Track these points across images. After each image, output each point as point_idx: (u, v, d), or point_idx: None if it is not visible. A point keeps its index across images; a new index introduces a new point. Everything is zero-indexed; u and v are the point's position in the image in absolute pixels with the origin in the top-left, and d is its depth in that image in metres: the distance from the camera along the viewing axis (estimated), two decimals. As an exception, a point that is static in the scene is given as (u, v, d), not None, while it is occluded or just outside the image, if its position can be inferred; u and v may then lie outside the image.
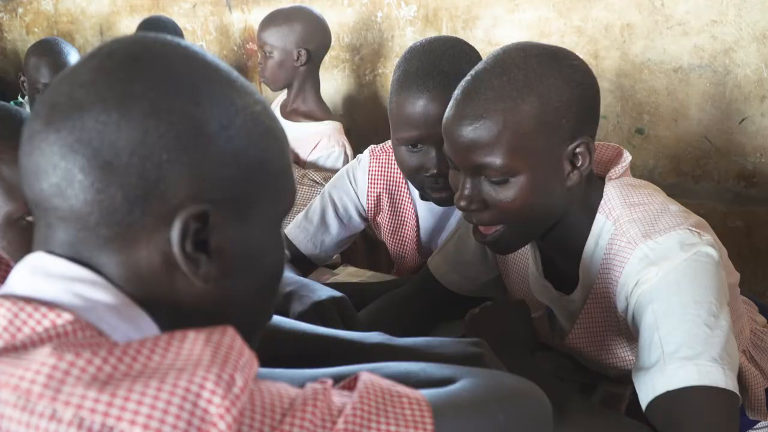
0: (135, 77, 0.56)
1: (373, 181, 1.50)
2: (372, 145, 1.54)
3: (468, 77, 0.97)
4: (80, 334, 0.52)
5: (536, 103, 0.91)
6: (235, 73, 0.62)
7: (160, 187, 0.55)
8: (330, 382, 0.57)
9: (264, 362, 0.81)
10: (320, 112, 2.30)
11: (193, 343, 0.51)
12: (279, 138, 0.63)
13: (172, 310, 0.58)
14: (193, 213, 0.55)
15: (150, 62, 0.57)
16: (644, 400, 0.89)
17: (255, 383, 0.53)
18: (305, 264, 1.48)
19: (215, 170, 0.57)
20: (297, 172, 2.04)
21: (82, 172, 0.54)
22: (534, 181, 0.94)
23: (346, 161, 2.23)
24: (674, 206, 1.00)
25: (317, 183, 2.02)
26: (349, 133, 2.77)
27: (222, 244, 0.58)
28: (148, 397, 0.47)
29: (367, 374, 0.58)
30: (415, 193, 1.46)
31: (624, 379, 1.07)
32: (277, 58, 2.23)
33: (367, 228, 1.59)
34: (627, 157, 1.07)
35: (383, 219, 1.53)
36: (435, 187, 1.30)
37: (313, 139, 2.22)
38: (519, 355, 1.00)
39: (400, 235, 1.54)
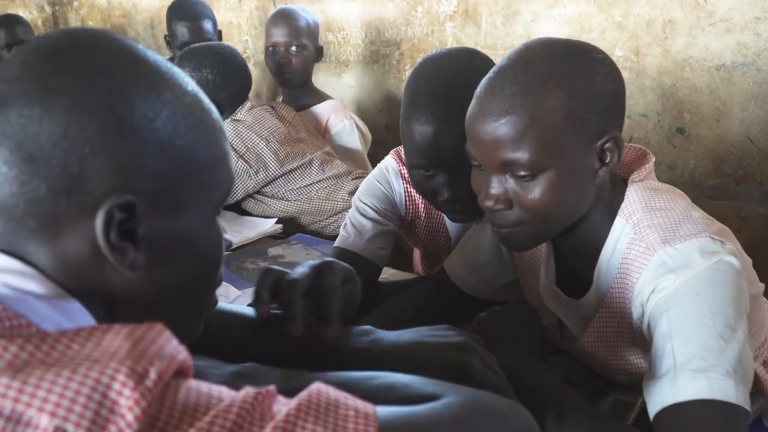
0: (58, 71, 0.57)
1: (409, 187, 1.45)
2: (395, 148, 1.49)
3: (490, 74, 0.95)
4: (7, 323, 0.53)
5: (563, 97, 0.89)
6: (165, 66, 0.63)
7: (84, 179, 0.56)
8: (273, 389, 0.57)
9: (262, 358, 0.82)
10: (320, 96, 2.47)
11: (115, 335, 0.52)
12: (211, 128, 0.65)
13: (105, 300, 0.60)
14: (117, 203, 0.57)
15: (73, 56, 0.58)
16: (652, 410, 0.87)
17: (183, 380, 0.53)
18: (367, 266, 1.37)
19: (140, 161, 0.58)
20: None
21: (7, 164, 0.56)
22: (563, 177, 0.92)
23: (360, 135, 2.38)
24: (697, 213, 0.97)
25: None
26: (388, 128, 2.78)
27: (150, 233, 0.60)
28: (58, 386, 0.48)
29: (317, 384, 0.58)
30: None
31: (635, 387, 1.05)
32: (309, 53, 2.34)
33: (400, 231, 1.56)
34: (651, 158, 1.04)
35: (420, 224, 1.50)
36: (451, 209, 1.27)
37: (322, 119, 2.38)
38: (524, 360, 0.99)
39: (435, 241, 1.51)
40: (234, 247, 1.78)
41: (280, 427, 0.52)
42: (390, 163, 1.48)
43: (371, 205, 1.45)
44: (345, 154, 2.33)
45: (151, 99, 0.59)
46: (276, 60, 2.35)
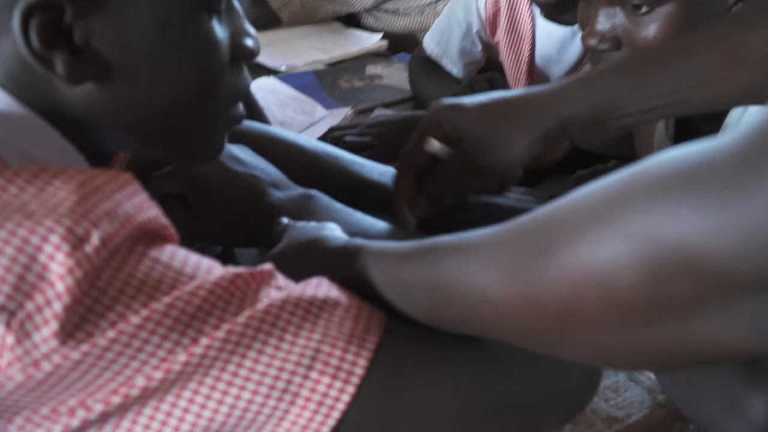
0: None
1: None
2: None
3: None
4: None
5: None
6: None
7: None
8: (269, 268, 0.46)
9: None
10: None
11: (64, 182, 0.41)
12: None
13: (71, 120, 0.50)
14: (34, 1, 0.44)
15: None
16: None
17: (153, 248, 0.43)
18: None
19: None
20: None
21: None
22: (685, 11, 0.81)
23: None
24: None
25: None
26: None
27: (91, 40, 0.47)
28: None
29: (318, 279, 0.48)
30: (537, 11, 1.32)
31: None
32: None
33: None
34: None
35: (500, 35, 1.40)
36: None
37: None
38: None
39: (516, 54, 1.39)
40: (333, 62, 1.66)
41: (257, 318, 0.42)
42: None
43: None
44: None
45: None
46: None
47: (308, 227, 0.60)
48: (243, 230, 0.71)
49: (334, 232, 0.58)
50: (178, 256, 0.44)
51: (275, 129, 0.83)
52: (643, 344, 0.34)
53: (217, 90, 0.55)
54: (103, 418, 0.40)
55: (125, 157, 0.68)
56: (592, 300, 0.34)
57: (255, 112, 1.00)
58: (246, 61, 0.57)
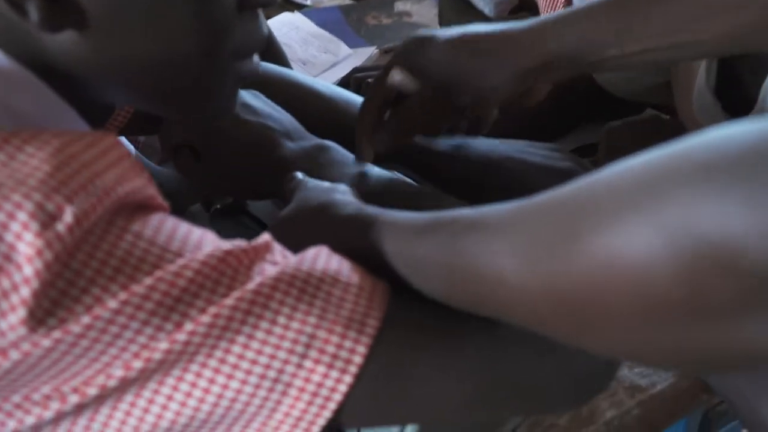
0: None
1: None
2: None
3: None
4: None
5: None
6: None
7: None
8: (265, 241, 0.43)
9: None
10: None
11: (39, 148, 0.37)
12: None
13: (57, 72, 0.46)
14: None
15: None
16: None
17: (135, 220, 0.39)
18: None
19: None
20: None
21: None
22: None
23: None
24: None
25: None
26: None
27: None
28: None
29: (316, 250, 0.45)
30: None
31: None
32: None
33: None
34: None
35: None
36: None
37: None
38: None
39: None
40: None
41: (246, 299, 0.39)
42: None
43: None
44: None
45: None
46: None
47: (319, 188, 0.56)
48: (254, 182, 0.68)
49: (345, 196, 0.55)
50: (164, 228, 0.40)
51: (292, 73, 0.79)
52: (673, 344, 0.30)
53: (221, 45, 0.49)
54: (78, 410, 0.38)
55: (129, 110, 0.64)
56: (620, 293, 0.30)
57: (274, 52, 0.96)
58: (262, 7, 0.52)
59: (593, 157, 0.92)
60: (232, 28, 0.49)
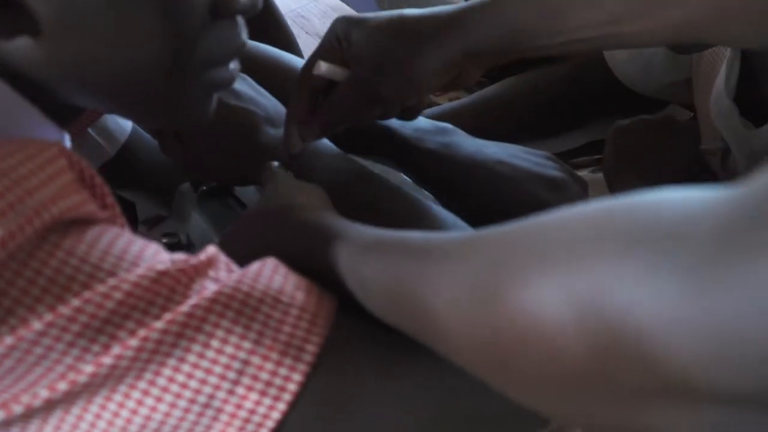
0: None
1: None
2: None
3: None
4: None
5: None
6: None
7: None
8: (209, 255, 0.41)
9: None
10: None
11: None
12: None
13: (17, 75, 0.44)
14: None
15: None
16: None
17: (70, 236, 0.38)
18: None
19: None
20: None
21: None
22: None
23: None
24: None
25: None
26: None
27: None
28: None
29: (259, 264, 0.42)
30: None
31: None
32: None
33: None
34: None
35: None
36: None
37: None
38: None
39: None
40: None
41: (178, 322, 0.37)
42: None
43: None
44: None
45: None
46: None
47: (287, 186, 0.54)
48: (236, 168, 0.66)
49: (310, 198, 0.53)
50: (100, 243, 0.38)
51: (286, 55, 0.76)
52: (582, 412, 0.28)
53: (188, 53, 0.46)
54: (4, 426, 0.37)
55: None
56: (534, 350, 0.27)
57: (278, 29, 0.93)
58: (240, 14, 0.49)
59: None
60: (203, 36, 0.46)
